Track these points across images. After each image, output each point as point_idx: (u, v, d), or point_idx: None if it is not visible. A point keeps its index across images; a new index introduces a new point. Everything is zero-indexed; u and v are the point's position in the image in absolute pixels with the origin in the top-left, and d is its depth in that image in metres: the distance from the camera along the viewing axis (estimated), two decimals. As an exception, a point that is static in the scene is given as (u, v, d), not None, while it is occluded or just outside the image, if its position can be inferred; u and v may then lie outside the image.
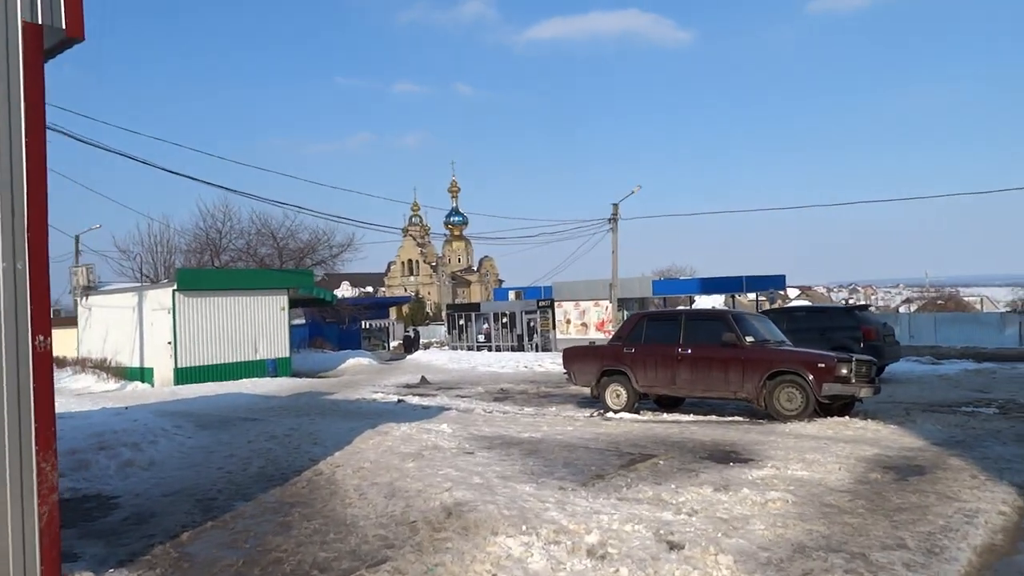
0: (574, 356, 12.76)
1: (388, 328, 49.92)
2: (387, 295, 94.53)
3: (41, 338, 4.33)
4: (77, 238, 34.74)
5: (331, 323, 38.62)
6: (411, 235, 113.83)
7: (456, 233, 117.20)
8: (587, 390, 13.14)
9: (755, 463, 7.26)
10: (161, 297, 21.37)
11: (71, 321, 27.06)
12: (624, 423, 10.45)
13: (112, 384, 21.08)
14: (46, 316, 4.38)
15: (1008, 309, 58.22)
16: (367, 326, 43.86)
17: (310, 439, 9.34)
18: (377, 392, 16.69)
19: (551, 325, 39.49)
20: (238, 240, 32.83)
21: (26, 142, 4.32)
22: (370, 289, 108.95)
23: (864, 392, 10.17)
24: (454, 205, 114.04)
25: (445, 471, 6.98)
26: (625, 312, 40.88)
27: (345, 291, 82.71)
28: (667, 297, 53.79)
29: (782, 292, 49.73)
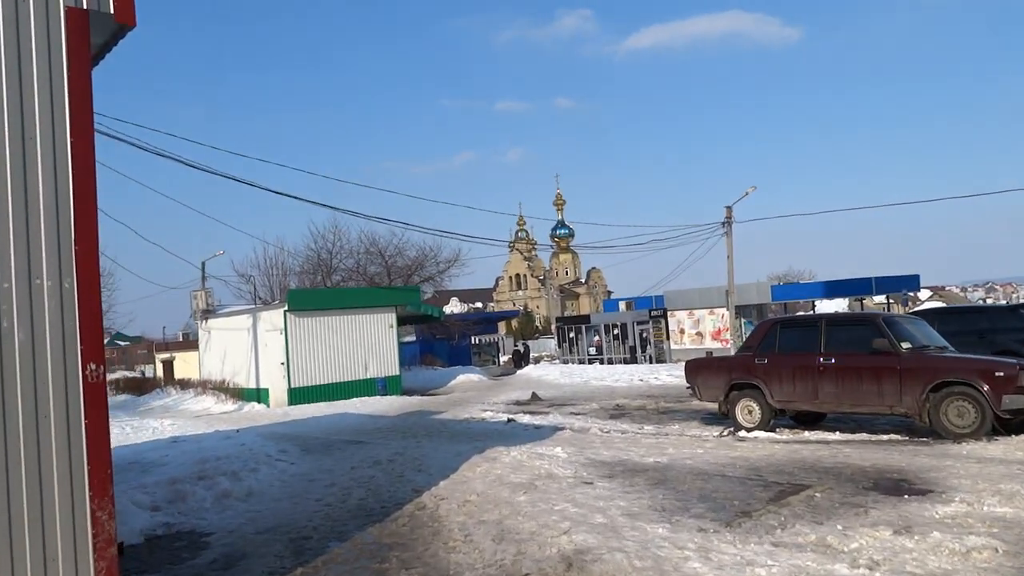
0: (698, 368, 11.59)
1: (498, 343, 49.60)
2: (496, 310, 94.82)
3: (93, 366, 3.75)
4: (203, 264, 36.22)
5: (441, 340, 38.61)
6: (518, 249, 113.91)
7: (563, 246, 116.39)
8: (713, 406, 11.94)
9: (937, 496, 5.97)
10: (273, 318, 21.63)
11: (194, 344, 28.09)
12: (761, 444, 9.22)
13: (230, 405, 21.44)
14: (98, 341, 3.81)
15: None
16: (476, 342, 43.65)
17: (414, 465, 8.68)
18: (487, 410, 16.01)
19: (664, 335, 37.95)
20: (348, 260, 33.32)
21: (72, 143, 3.78)
22: (479, 305, 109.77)
23: (1053, 405, 8.54)
24: (559, 218, 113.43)
25: (562, 506, 6.09)
26: (743, 320, 38.80)
27: (454, 307, 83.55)
28: (787, 303, 50.97)
29: (911, 294, 45.93)
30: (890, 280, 42.65)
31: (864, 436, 9.74)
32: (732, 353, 35.23)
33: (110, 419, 3.94)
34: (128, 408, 23.91)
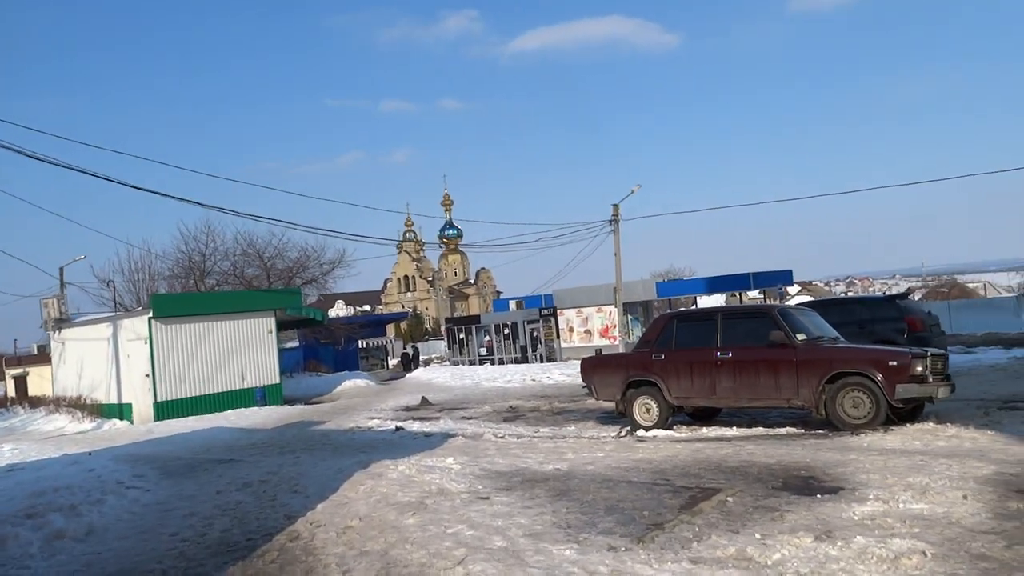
0: (594, 367, 11.18)
1: (386, 346, 48.29)
2: (384, 312, 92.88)
3: None
4: (61, 270, 33.05)
5: (326, 344, 36.98)
6: (406, 251, 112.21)
7: (451, 246, 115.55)
8: (610, 405, 11.59)
9: (849, 494, 5.69)
10: (136, 326, 19.76)
11: (50, 358, 25.46)
12: (662, 444, 8.86)
13: (87, 424, 19.40)
14: None
15: (1019, 292, 56.80)
16: (364, 345, 42.20)
17: (289, 486, 7.75)
18: (373, 418, 15.08)
19: (555, 334, 37.91)
20: (223, 262, 31.29)
21: None
22: (367, 307, 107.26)
23: (942, 392, 8.62)
24: (447, 218, 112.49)
25: (456, 528, 5.39)
26: (630, 317, 39.31)
27: (340, 310, 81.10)
28: (671, 299, 52.35)
29: (785, 288, 48.14)
30: (766, 275, 44.46)
31: (761, 431, 9.58)
32: (620, 350, 35.64)
33: None
34: (-35, 431, 21.27)
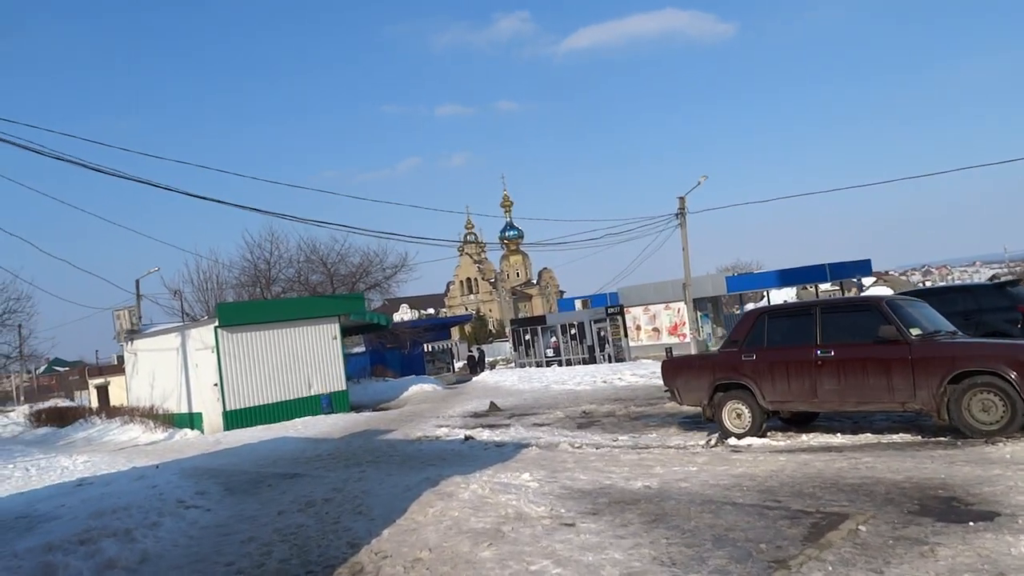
0: (677, 369, 10.31)
1: (451, 349, 47.98)
2: (448, 316, 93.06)
3: None
4: (137, 283, 33.85)
5: (392, 349, 36.89)
6: (467, 253, 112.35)
7: (512, 247, 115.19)
8: (694, 409, 10.72)
9: (1010, 521, 4.73)
10: (204, 335, 19.74)
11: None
12: (761, 455, 7.95)
13: (160, 434, 19.49)
14: None
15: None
16: (430, 349, 41.97)
17: (354, 506, 7.17)
18: (441, 426, 14.51)
19: (622, 333, 36.86)
20: (287, 269, 31.41)
21: None
22: (431, 311, 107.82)
23: (1088, 392, 7.46)
24: (508, 219, 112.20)
25: (540, 565, 4.67)
26: (699, 313, 37.93)
27: (404, 315, 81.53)
28: (743, 293, 50.56)
29: (855, 280, 45.90)
30: (842, 266, 42.43)
31: (871, 438, 8.57)
32: (691, 347, 34.37)
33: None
34: (47, 443, 21.69)
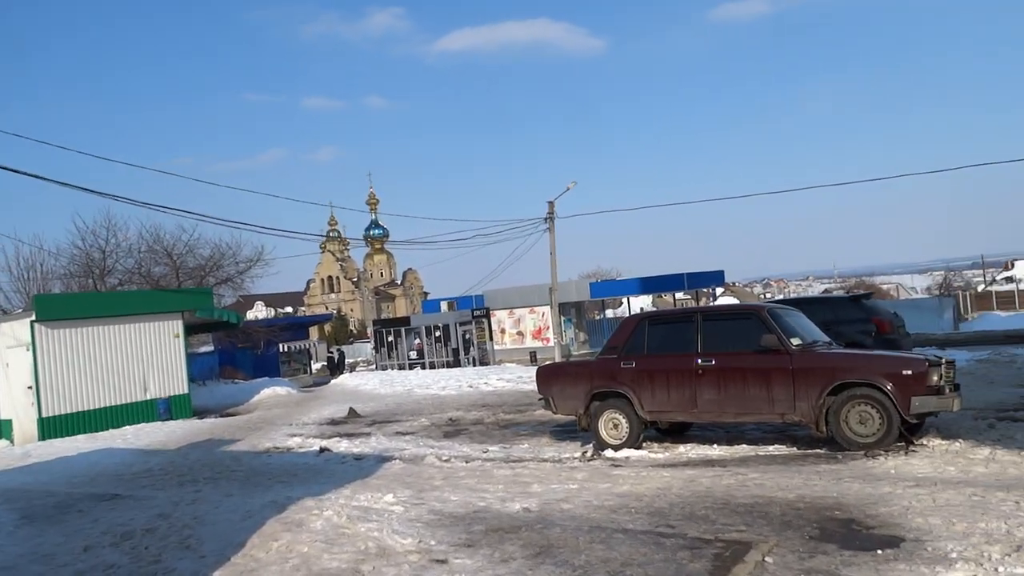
0: (552, 376, 9.74)
1: (310, 350, 45.77)
2: (307, 314, 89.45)
3: None
4: None
5: (244, 349, 34.47)
6: (329, 250, 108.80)
7: (377, 246, 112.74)
8: (568, 418, 10.22)
9: (916, 546, 4.40)
10: (17, 331, 17.25)
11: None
12: (644, 471, 7.48)
13: (-41, 444, 16.83)
14: None
15: (939, 293, 58.54)
16: (286, 349, 39.74)
17: (181, 539, 6.00)
18: (294, 434, 13.24)
19: (488, 336, 36.45)
20: (126, 259, 28.47)
21: None
22: (289, 309, 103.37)
23: (957, 405, 7.55)
24: (373, 217, 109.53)
25: (407, 620, 3.84)
26: (563, 318, 38.18)
27: (260, 312, 77.52)
28: (605, 299, 51.62)
29: (709, 290, 47.99)
30: (699, 276, 44.19)
31: (748, 449, 8.35)
32: (556, 352, 34.46)
33: None
34: None
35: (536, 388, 10.04)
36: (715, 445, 8.69)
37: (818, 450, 7.83)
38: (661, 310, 12.34)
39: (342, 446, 10.97)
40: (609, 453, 8.75)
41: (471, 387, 20.38)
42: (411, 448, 10.50)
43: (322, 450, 10.58)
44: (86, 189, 17.19)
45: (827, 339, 8.78)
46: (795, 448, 8.12)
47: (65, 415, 16.95)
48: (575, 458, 8.81)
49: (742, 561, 4.33)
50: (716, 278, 46.18)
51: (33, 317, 16.82)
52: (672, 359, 8.61)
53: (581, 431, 9.50)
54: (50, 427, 16.66)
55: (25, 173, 16.35)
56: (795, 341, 8.04)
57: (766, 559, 4.37)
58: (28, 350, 16.86)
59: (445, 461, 9.04)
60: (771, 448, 8.26)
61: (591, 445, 9.21)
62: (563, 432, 10.93)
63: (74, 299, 19.52)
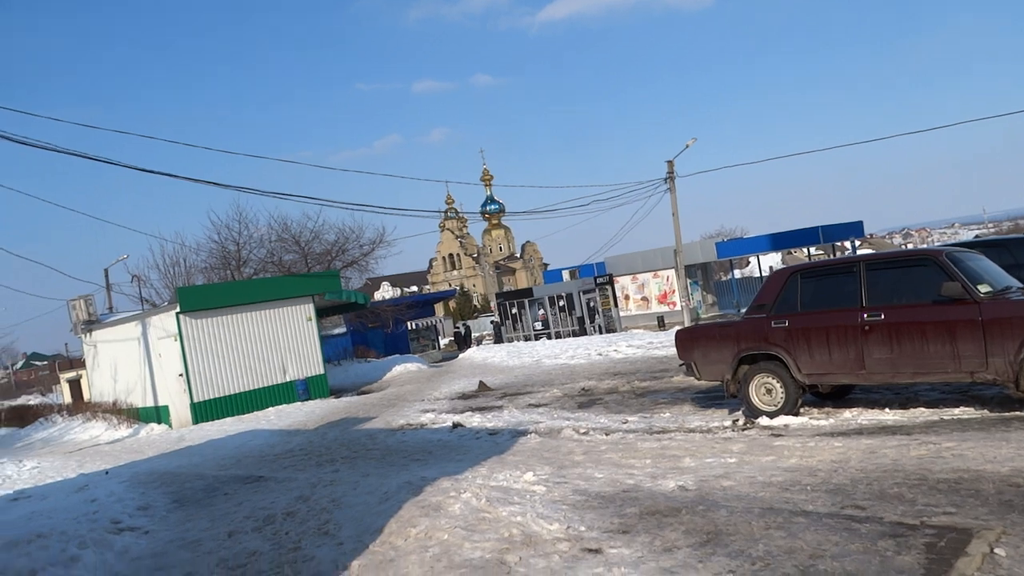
0: (695, 339, 8.99)
1: (436, 326, 46.58)
2: (431, 292, 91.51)
3: None
4: (106, 272, 32.27)
5: (374, 328, 35.41)
6: (448, 229, 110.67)
7: (494, 222, 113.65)
8: (711, 384, 9.47)
9: None
10: (165, 322, 18.22)
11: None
12: (809, 439, 6.67)
13: (124, 430, 18.03)
14: None
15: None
16: (413, 327, 40.57)
17: (319, 524, 5.82)
18: (427, 410, 13.17)
19: (612, 303, 35.63)
20: (259, 250, 29.75)
21: None
22: (414, 288, 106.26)
23: None
24: (488, 193, 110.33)
25: (565, 624, 3.35)
26: (688, 281, 36.72)
27: (386, 293, 79.94)
28: (733, 259, 49.50)
29: (841, 244, 44.71)
30: (834, 228, 41.45)
31: (927, 412, 7.33)
32: (684, 316, 33.20)
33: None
34: (3, 446, 20.15)
35: (676, 353, 9.31)
36: (887, 409, 7.71)
37: (1019, 412, 6.72)
38: (815, 261, 11.22)
39: (475, 421, 10.70)
40: (764, 421, 7.96)
41: (600, 355, 19.78)
42: (545, 420, 10.07)
43: (455, 426, 10.34)
44: (216, 183, 17.85)
45: (1020, 284, 7.55)
46: (986, 411, 7.04)
47: (213, 399, 17.78)
48: (725, 427, 8.08)
49: (964, 553, 3.55)
50: (854, 229, 43.13)
51: (178, 309, 17.67)
52: (832, 315, 7.66)
53: (729, 398, 8.72)
54: (201, 411, 17.53)
55: (167, 174, 17.09)
56: (983, 288, 6.91)
57: (995, 550, 3.57)
58: (176, 340, 17.75)
59: (583, 434, 8.53)
60: (956, 411, 7.20)
61: (741, 413, 8.43)
62: (707, 399, 10.18)
63: (212, 289, 20.42)
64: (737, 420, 8.26)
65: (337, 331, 38.96)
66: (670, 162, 33.35)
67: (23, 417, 23.16)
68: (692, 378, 9.21)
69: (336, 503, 6.45)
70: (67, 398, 34.75)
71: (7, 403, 30.51)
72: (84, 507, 7.84)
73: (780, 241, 42.87)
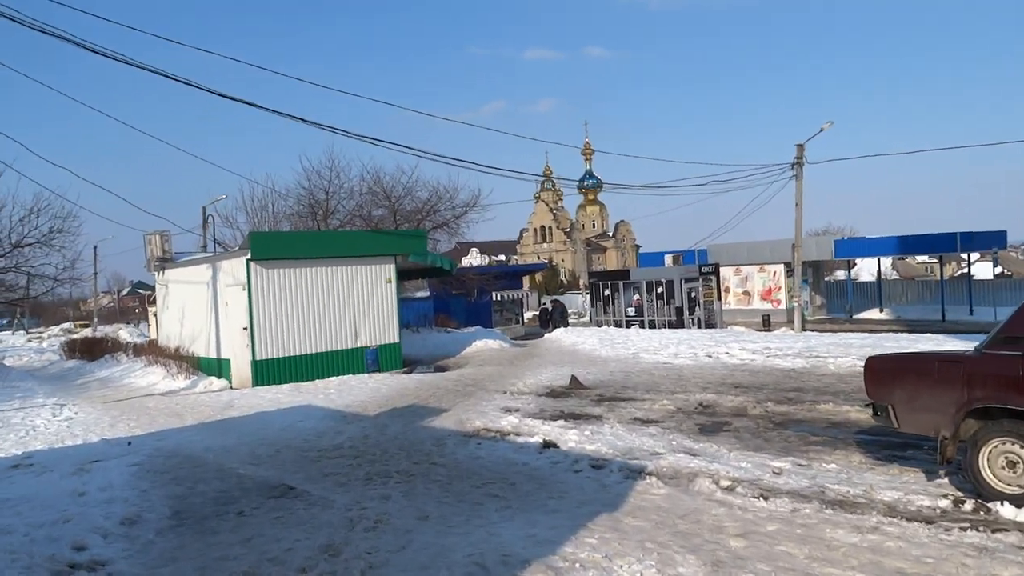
0: (899, 374, 6.39)
1: (522, 300, 44.50)
2: (520, 263, 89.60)
3: None
4: (204, 209, 31.61)
5: (458, 296, 33.57)
6: (543, 200, 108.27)
7: (590, 197, 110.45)
8: (869, 420, 6.89)
9: None
10: (235, 269, 16.66)
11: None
12: None
13: (181, 381, 16.68)
14: None
15: None
16: (498, 298, 38.62)
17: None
18: (509, 409, 10.97)
19: (716, 295, 32.57)
20: (348, 201, 28.17)
21: None
22: (502, 258, 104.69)
23: None
24: (588, 168, 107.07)
25: None
26: (797, 281, 33.04)
27: (474, 259, 78.38)
28: (849, 259, 45.32)
29: (996, 252, 39.73)
30: (974, 236, 36.80)
31: None
32: (795, 315, 29.86)
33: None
34: (65, 379, 19.32)
35: (866, 388, 6.72)
36: None
37: None
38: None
39: (570, 438, 8.40)
40: (1006, 511, 5.36)
41: (710, 357, 17.16)
42: (663, 451, 7.68)
43: (546, 445, 8.05)
44: (305, 120, 16.04)
45: None
46: None
47: (276, 359, 16.17)
48: (941, 509, 5.52)
49: None
50: (997, 239, 38.27)
51: (248, 256, 16.06)
52: None
53: (942, 464, 6.11)
54: (262, 370, 15.95)
55: (256, 105, 15.33)
56: None
57: None
58: (244, 289, 16.18)
59: (727, 489, 6.13)
60: None
61: (968, 491, 5.84)
62: (876, 443, 7.62)
63: (288, 237, 18.82)
64: (961, 502, 5.67)
65: (420, 294, 37.42)
66: (800, 145, 29.97)
67: (92, 351, 22.45)
68: (888, 423, 6.62)
69: (373, 568, 4.31)
70: (153, 333, 34.58)
71: (83, 333, 30.24)
72: (63, 505, 6.04)
73: (909, 244, 38.55)
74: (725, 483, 6.29)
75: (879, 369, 6.52)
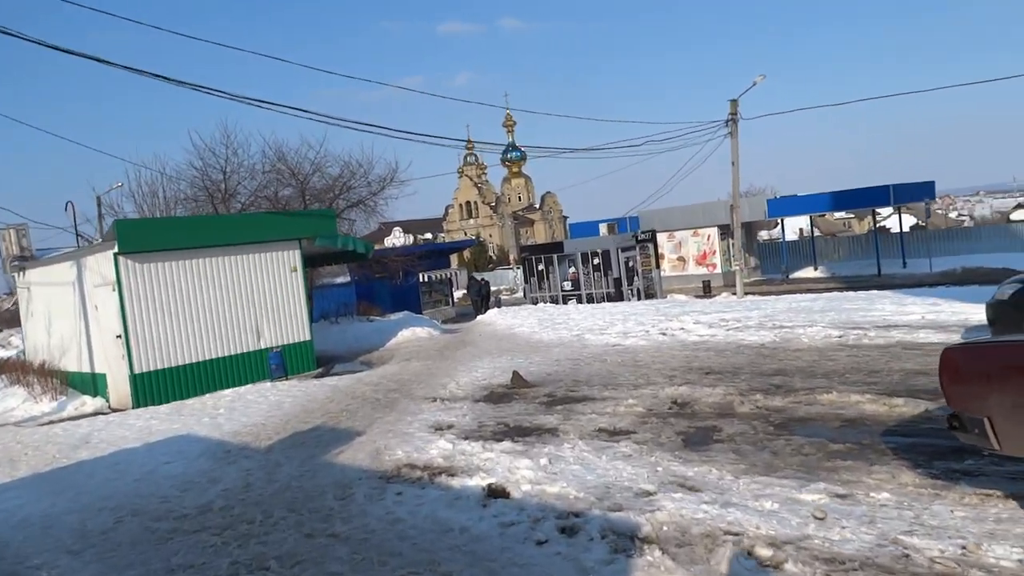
0: (1001, 373, 4.46)
1: (451, 278, 42.07)
2: (446, 241, 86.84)
3: None
4: (99, 199, 28.27)
5: (381, 279, 30.86)
6: (467, 175, 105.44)
7: (515, 170, 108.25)
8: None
9: None
10: (102, 266, 13.82)
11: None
12: None
13: (46, 404, 13.86)
14: None
15: None
16: (427, 279, 36.15)
17: None
18: (440, 426, 8.76)
19: (654, 263, 30.95)
20: (250, 182, 25.13)
21: None
22: (429, 236, 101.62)
23: None
24: (510, 140, 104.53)
25: None
26: (738, 243, 31.72)
27: (398, 239, 75.22)
28: (783, 218, 44.60)
29: (927, 203, 39.39)
30: (906, 188, 36.26)
31: None
32: (736, 279, 28.46)
33: None
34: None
35: (944, 391, 4.78)
36: None
37: None
38: None
39: (522, 476, 6.22)
40: None
41: (663, 334, 15.30)
42: (652, 487, 5.61)
43: (491, 492, 5.82)
44: (200, 87, 13.05)
45: None
46: None
47: (159, 371, 13.51)
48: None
49: None
50: (926, 190, 37.95)
51: (116, 249, 13.25)
52: None
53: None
54: (143, 385, 13.28)
55: (139, 71, 12.44)
56: None
57: None
58: (114, 290, 13.39)
59: (770, 566, 4.08)
60: None
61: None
62: (916, 449, 5.78)
63: (163, 224, 16.03)
64: None
65: (340, 280, 34.56)
66: (734, 101, 28.46)
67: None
68: (983, 444, 4.69)
69: None
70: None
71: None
72: None
73: (842, 200, 37.86)
74: (762, 551, 4.25)
75: (969, 366, 4.56)
